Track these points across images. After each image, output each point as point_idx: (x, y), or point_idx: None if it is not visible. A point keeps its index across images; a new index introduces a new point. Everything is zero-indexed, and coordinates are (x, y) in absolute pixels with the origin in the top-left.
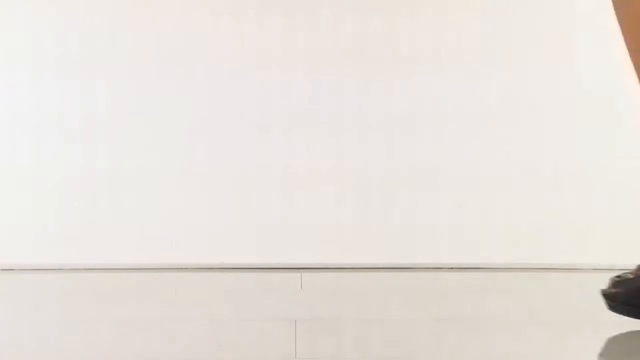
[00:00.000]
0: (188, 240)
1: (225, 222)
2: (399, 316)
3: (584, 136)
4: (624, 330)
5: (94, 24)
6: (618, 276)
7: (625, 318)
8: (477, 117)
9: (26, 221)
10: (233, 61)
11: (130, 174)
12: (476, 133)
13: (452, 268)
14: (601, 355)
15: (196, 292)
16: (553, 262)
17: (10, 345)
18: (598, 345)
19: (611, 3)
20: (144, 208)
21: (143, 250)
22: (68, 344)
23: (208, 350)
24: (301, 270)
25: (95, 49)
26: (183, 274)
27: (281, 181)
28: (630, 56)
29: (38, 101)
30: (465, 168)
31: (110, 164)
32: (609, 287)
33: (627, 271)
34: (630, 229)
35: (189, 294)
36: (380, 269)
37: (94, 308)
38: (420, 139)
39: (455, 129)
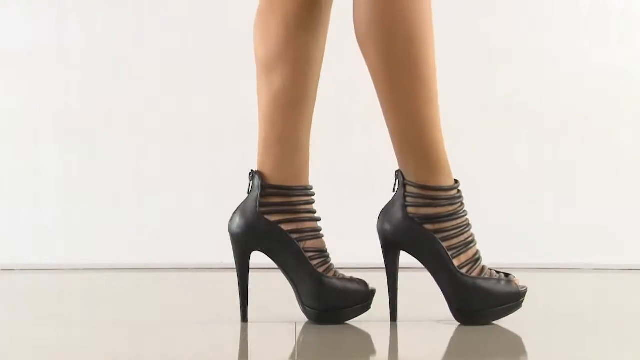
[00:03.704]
0: (188, 240)
1: (225, 222)
2: (400, 316)
3: (585, 137)
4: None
5: (94, 25)
6: None
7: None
8: (476, 118)
9: (26, 221)
10: (234, 61)
11: (130, 174)
12: (476, 134)
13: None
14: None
15: (196, 292)
16: (553, 262)
17: (11, 345)
18: (598, 343)
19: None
20: (144, 208)
21: (143, 250)
22: (68, 344)
23: (208, 351)
24: None
25: (95, 48)
26: (183, 274)
27: None
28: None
29: (38, 101)
30: (465, 169)
31: (110, 164)
32: None
33: None
34: (630, 229)
35: (189, 294)
36: (380, 269)
37: (94, 308)
38: None
39: (455, 129)
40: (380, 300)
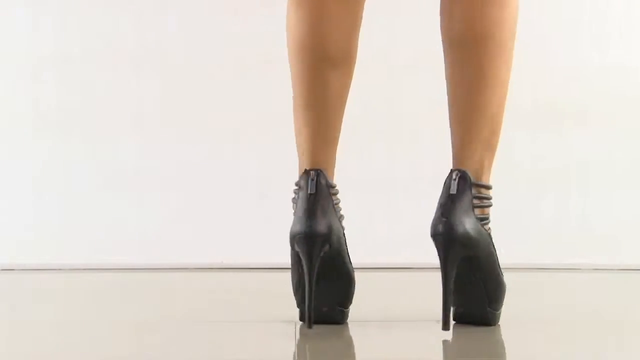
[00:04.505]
0: (188, 240)
1: (225, 222)
2: (400, 316)
3: (585, 136)
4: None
5: (93, 24)
6: None
7: None
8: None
9: (26, 221)
10: (233, 61)
11: (130, 174)
12: None
13: None
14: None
15: (196, 292)
16: (553, 262)
17: (11, 345)
18: (598, 343)
19: None
20: (144, 208)
21: (143, 250)
22: (67, 344)
23: (207, 351)
24: None
25: (94, 49)
26: (183, 274)
27: (281, 181)
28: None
29: (37, 100)
30: None
31: (110, 164)
32: None
33: None
34: (630, 228)
35: (189, 294)
36: (380, 269)
37: (93, 308)
38: (422, 143)
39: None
40: (381, 300)
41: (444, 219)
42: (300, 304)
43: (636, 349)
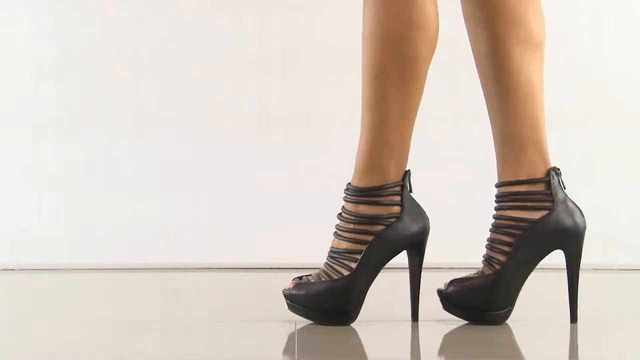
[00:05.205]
0: (188, 240)
1: (225, 222)
2: (400, 316)
3: (586, 135)
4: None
5: (93, 24)
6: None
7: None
8: (477, 119)
9: (26, 221)
10: (232, 61)
11: (130, 174)
12: (478, 135)
13: (452, 268)
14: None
15: (196, 292)
16: (553, 262)
17: (11, 345)
18: (598, 343)
19: None
20: (143, 208)
21: (143, 250)
22: (67, 344)
23: (208, 351)
24: (301, 270)
25: (94, 48)
26: (183, 274)
27: (281, 181)
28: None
29: (37, 101)
30: (466, 169)
31: (110, 163)
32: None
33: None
34: (630, 228)
35: (189, 294)
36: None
37: (94, 308)
38: (421, 143)
39: (456, 130)
40: (381, 300)
41: (578, 209)
42: (356, 307)
43: (636, 349)
